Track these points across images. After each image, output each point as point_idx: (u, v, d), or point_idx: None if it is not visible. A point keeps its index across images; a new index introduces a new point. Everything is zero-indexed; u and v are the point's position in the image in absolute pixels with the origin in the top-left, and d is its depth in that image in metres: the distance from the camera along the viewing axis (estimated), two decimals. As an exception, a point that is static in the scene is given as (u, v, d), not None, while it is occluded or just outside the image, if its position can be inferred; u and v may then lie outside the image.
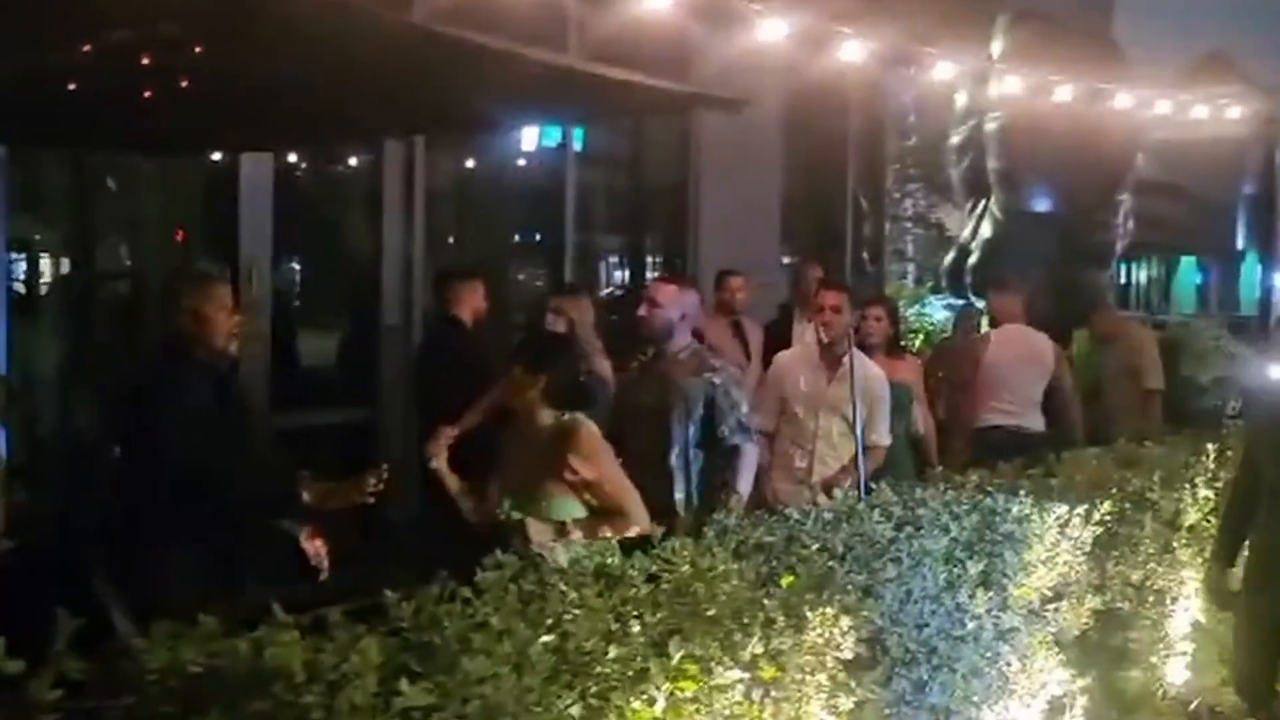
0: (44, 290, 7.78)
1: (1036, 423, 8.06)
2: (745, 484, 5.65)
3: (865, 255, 14.17)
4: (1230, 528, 5.21)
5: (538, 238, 10.31)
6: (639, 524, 4.47)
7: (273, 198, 7.06)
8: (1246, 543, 5.11)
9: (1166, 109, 9.23)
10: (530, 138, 9.80)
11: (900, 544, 4.08)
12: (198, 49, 4.13)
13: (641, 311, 5.58)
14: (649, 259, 11.50)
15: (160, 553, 4.34)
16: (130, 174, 7.51)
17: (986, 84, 9.29)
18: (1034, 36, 13.72)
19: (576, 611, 3.20)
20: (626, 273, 11.74)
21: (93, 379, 7.08)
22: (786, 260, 11.72)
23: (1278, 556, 4.92)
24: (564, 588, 3.27)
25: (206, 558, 4.43)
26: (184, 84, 4.55)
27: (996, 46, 14.34)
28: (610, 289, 11.64)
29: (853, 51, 5.35)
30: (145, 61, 4.16)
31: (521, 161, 10.28)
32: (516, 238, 10.63)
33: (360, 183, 8.24)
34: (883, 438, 6.22)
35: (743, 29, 4.99)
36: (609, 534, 4.16)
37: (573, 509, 4.51)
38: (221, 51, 4.23)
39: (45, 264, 7.88)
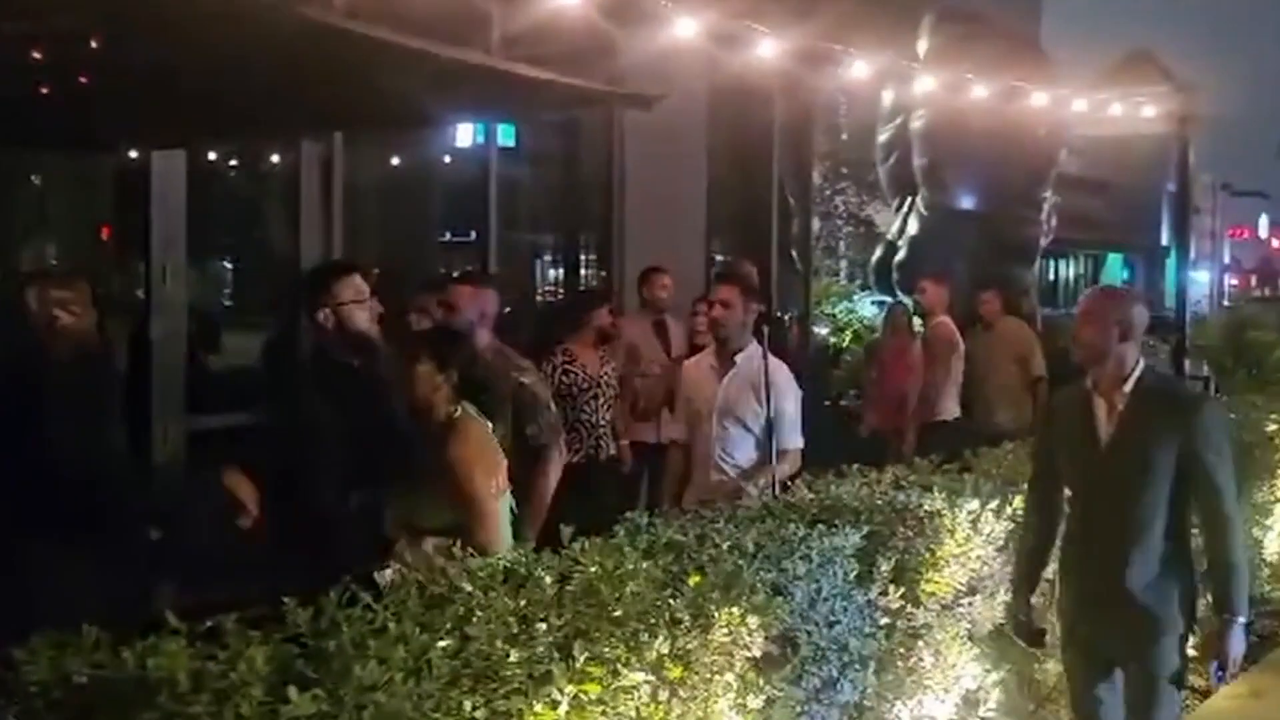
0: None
1: None
2: (548, 486, 5.49)
3: (793, 252, 14.21)
4: (1031, 550, 4.52)
5: (465, 235, 10.23)
6: (489, 547, 4.12)
7: (186, 196, 6.92)
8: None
9: (1083, 107, 9.35)
10: (454, 134, 9.73)
11: (811, 541, 4.08)
12: (94, 44, 4.04)
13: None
14: (581, 255, 11.46)
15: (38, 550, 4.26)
16: (42, 171, 7.35)
17: (906, 83, 9.34)
18: (959, 36, 13.83)
19: (480, 614, 3.17)
20: (560, 271, 11.71)
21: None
22: (718, 257, 11.75)
23: (1094, 576, 4.23)
24: (469, 589, 3.24)
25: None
26: (82, 80, 4.45)
27: (922, 45, 14.44)
28: (544, 287, 11.60)
29: (767, 49, 5.35)
30: (37, 56, 4.06)
31: (446, 158, 10.21)
32: (445, 235, 10.54)
33: (278, 180, 8.13)
34: (792, 441, 5.70)
35: (656, 26, 4.97)
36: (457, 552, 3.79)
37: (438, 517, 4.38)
38: (121, 47, 4.14)
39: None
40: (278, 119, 6.30)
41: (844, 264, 24.87)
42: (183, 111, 5.60)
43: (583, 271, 11.21)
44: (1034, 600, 4.54)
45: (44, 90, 4.56)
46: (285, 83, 5.07)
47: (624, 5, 4.58)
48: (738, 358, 5.70)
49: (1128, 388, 4.10)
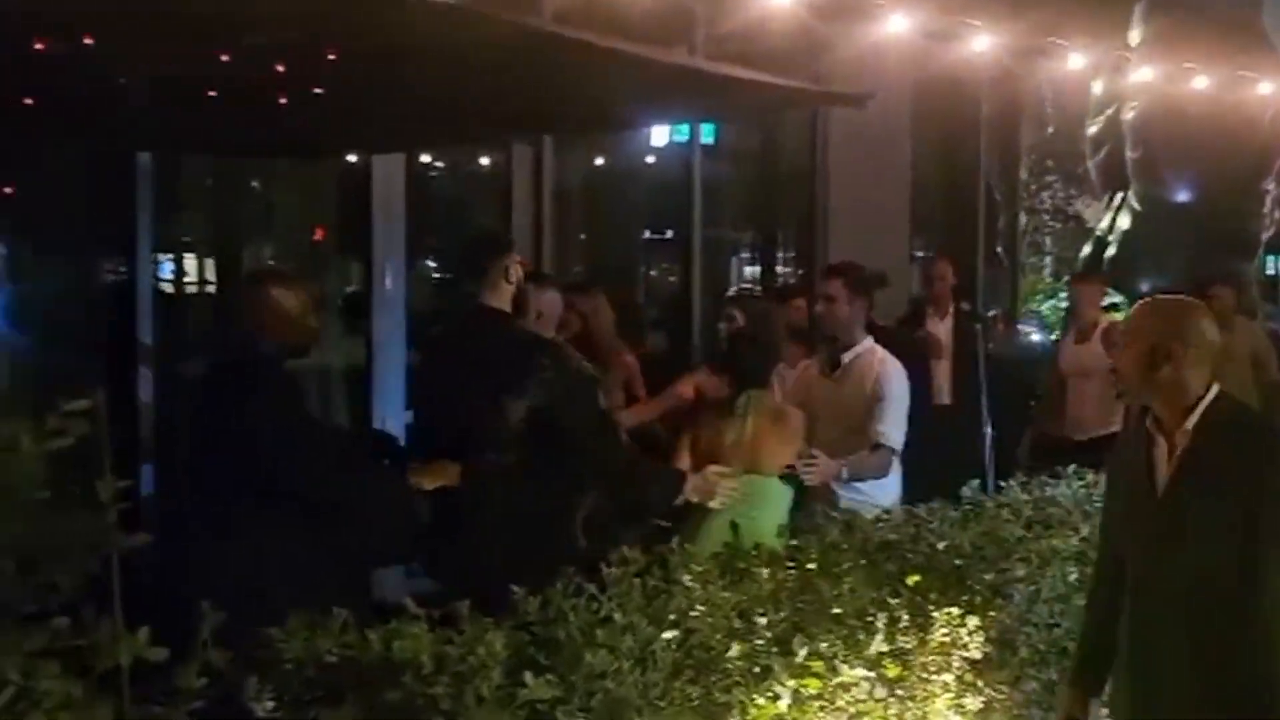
0: (188, 290, 8.03)
1: None
2: None
3: (999, 249, 13.95)
4: (1092, 627, 3.47)
5: (667, 234, 10.35)
6: None
7: (405, 198, 7.19)
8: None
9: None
10: (659, 133, 9.83)
11: (1029, 543, 4.02)
12: (330, 56, 4.24)
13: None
14: (779, 254, 11.47)
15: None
16: (268, 176, 7.72)
17: (1118, 74, 9.06)
18: (1173, 24, 13.35)
19: (701, 608, 3.23)
20: (758, 268, 11.74)
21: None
22: (920, 254, 11.61)
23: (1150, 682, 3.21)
24: (689, 583, 3.30)
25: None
26: (316, 90, 4.68)
27: (1134, 34, 13.99)
28: (739, 286, 11.64)
29: (980, 45, 5.27)
30: (280, 69, 4.29)
31: (650, 158, 10.33)
32: (646, 234, 10.68)
33: (490, 182, 8.36)
34: (888, 438, 5.15)
35: (868, 24, 4.94)
36: None
37: None
38: (351, 57, 4.33)
39: (189, 264, 8.15)
40: (492, 123, 6.47)
41: (1049, 260, 24.19)
42: (403, 117, 5.81)
43: (780, 269, 11.23)
44: (1093, 705, 3.47)
45: (282, 100, 4.80)
46: (499, 89, 5.21)
47: (837, 4, 4.57)
48: (845, 356, 5.33)
49: (1191, 423, 3.13)
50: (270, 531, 4.14)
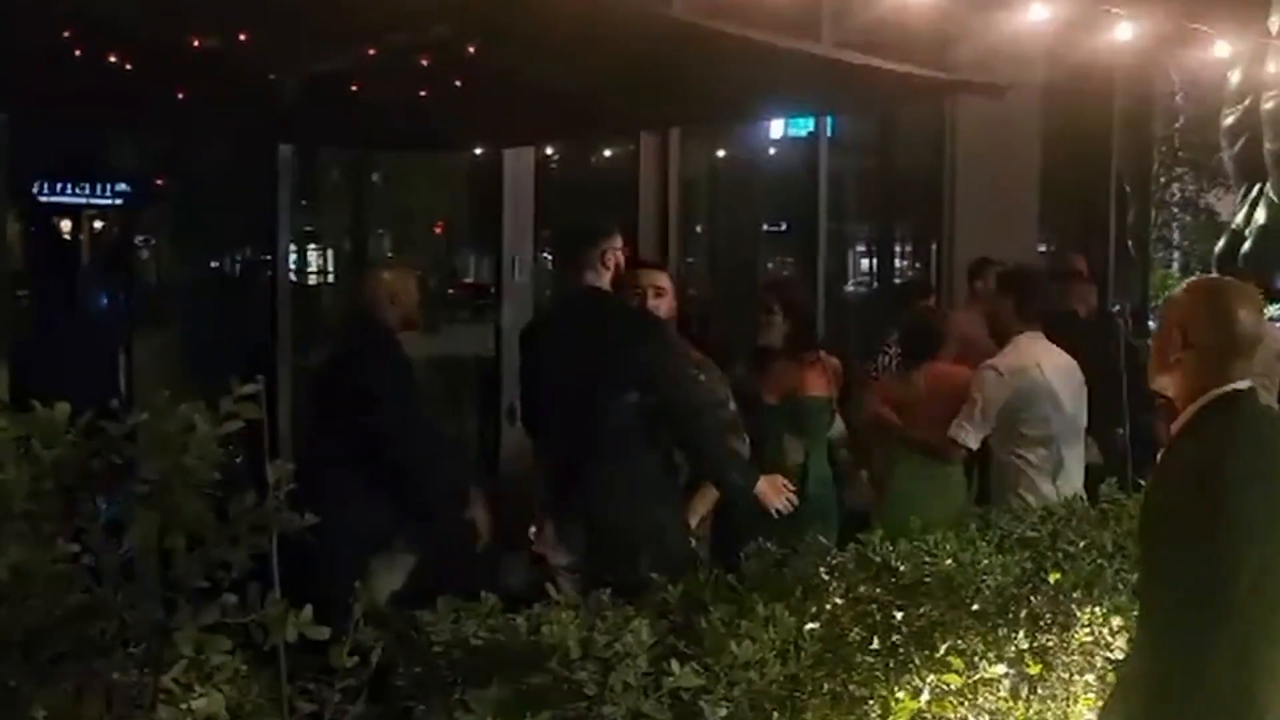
0: (321, 280, 8.22)
1: None
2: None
3: (1130, 242, 13.64)
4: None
5: (788, 226, 10.30)
6: None
7: (534, 191, 7.26)
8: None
9: None
10: (783, 126, 9.79)
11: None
12: (470, 49, 4.30)
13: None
14: (908, 246, 11.35)
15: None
16: (400, 170, 7.84)
17: (1257, 63, 8.80)
18: (1318, 9, 12.94)
19: (840, 601, 3.23)
20: (875, 260, 11.63)
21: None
22: (1042, 249, 11.41)
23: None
24: (826, 576, 3.30)
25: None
26: (458, 83, 4.74)
27: (1275, 21, 13.57)
28: (855, 279, 11.55)
29: (1124, 33, 5.16)
30: (423, 63, 4.36)
31: (773, 150, 10.29)
32: (770, 226, 10.62)
33: (617, 174, 8.39)
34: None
35: (1005, 13, 4.87)
36: None
37: None
38: (491, 51, 4.38)
39: (325, 256, 8.35)
40: (623, 115, 6.49)
41: (1177, 254, 23.66)
42: (537, 110, 5.85)
43: (905, 263, 11.11)
44: None
45: (423, 94, 4.88)
46: (632, 81, 5.23)
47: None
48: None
49: (1183, 419, 2.78)
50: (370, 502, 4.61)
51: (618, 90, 5.46)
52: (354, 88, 4.75)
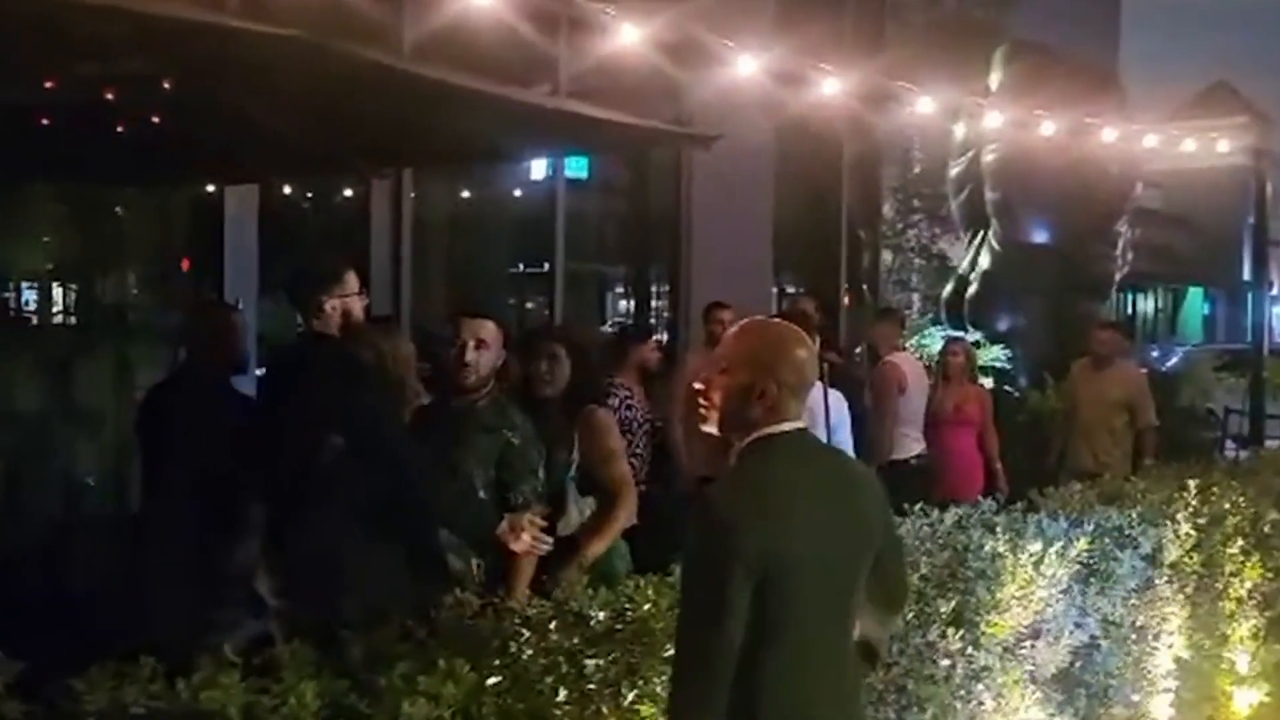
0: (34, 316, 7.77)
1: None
2: None
3: (864, 286, 14.19)
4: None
5: (526, 266, 10.34)
6: None
7: (259, 230, 7.06)
8: None
9: (1155, 142, 9.23)
10: (523, 167, 9.82)
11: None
12: (165, 85, 4.14)
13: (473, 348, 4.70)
14: (654, 289, 11.51)
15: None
16: (114, 207, 7.50)
17: (973, 119, 9.29)
18: (1031, 69, 13.77)
19: (530, 652, 3.19)
20: (632, 303, 11.77)
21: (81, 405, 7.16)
22: (789, 290, 11.76)
23: None
24: (518, 626, 3.26)
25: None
26: (155, 120, 4.57)
27: (994, 78, 14.39)
28: (614, 320, 11.67)
29: (831, 88, 5.35)
30: (110, 97, 4.18)
31: (518, 191, 10.32)
32: (513, 266, 10.65)
33: (348, 214, 8.25)
34: None
35: (718, 66, 4.99)
36: None
37: None
38: (193, 88, 4.24)
39: (33, 293, 7.90)
40: (346, 157, 6.39)
41: (916, 298, 24.72)
42: (253, 149, 5.71)
43: (661, 304, 11.27)
44: None
45: (119, 129, 4.68)
46: (351, 123, 5.16)
47: (685, 46, 4.60)
48: None
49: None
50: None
51: (336, 131, 5.38)
52: (43, 121, 4.51)
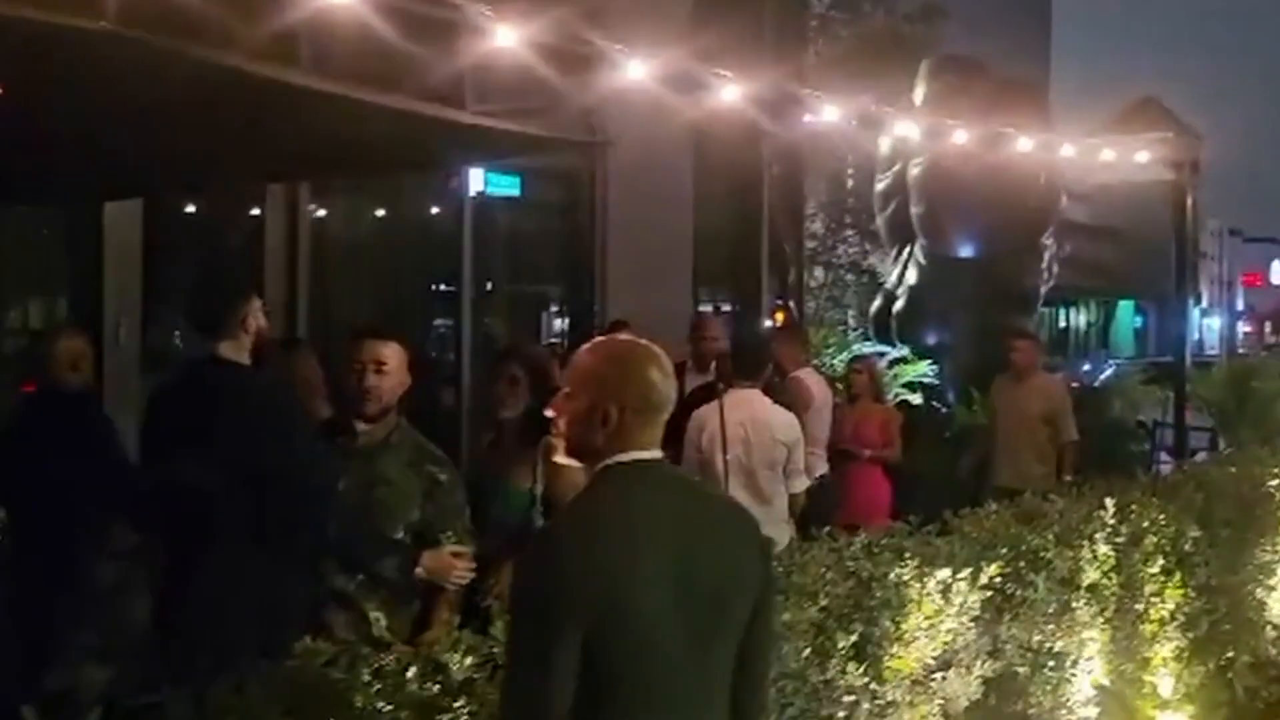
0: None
1: None
2: None
3: (790, 302, 14.03)
4: None
5: (436, 285, 10.04)
6: None
7: (142, 248, 6.71)
8: None
9: (1073, 153, 9.12)
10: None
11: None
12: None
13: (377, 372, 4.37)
14: (568, 305, 11.27)
15: None
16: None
17: (900, 130, 9.11)
18: (958, 82, 13.67)
19: (382, 707, 2.92)
20: (567, 321, 11.51)
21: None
22: (706, 306, 11.55)
23: None
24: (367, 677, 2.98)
25: None
26: None
27: (919, 92, 14.27)
28: (549, 339, 11.39)
29: (730, 95, 5.11)
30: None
31: (422, 206, 10.01)
32: (416, 285, 10.32)
33: (241, 231, 7.91)
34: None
35: (608, 71, 4.73)
36: None
37: None
38: (25, 97, 3.92)
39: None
40: (238, 169, 6.09)
41: (851, 314, 24.54)
42: (136, 163, 5.40)
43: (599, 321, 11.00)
44: None
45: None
46: (210, 133, 4.87)
47: (571, 49, 4.35)
48: None
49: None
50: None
51: (227, 144, 5.08)
52: None
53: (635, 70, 4.57)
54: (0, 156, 4.73)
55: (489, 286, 10.24)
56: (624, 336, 2.97)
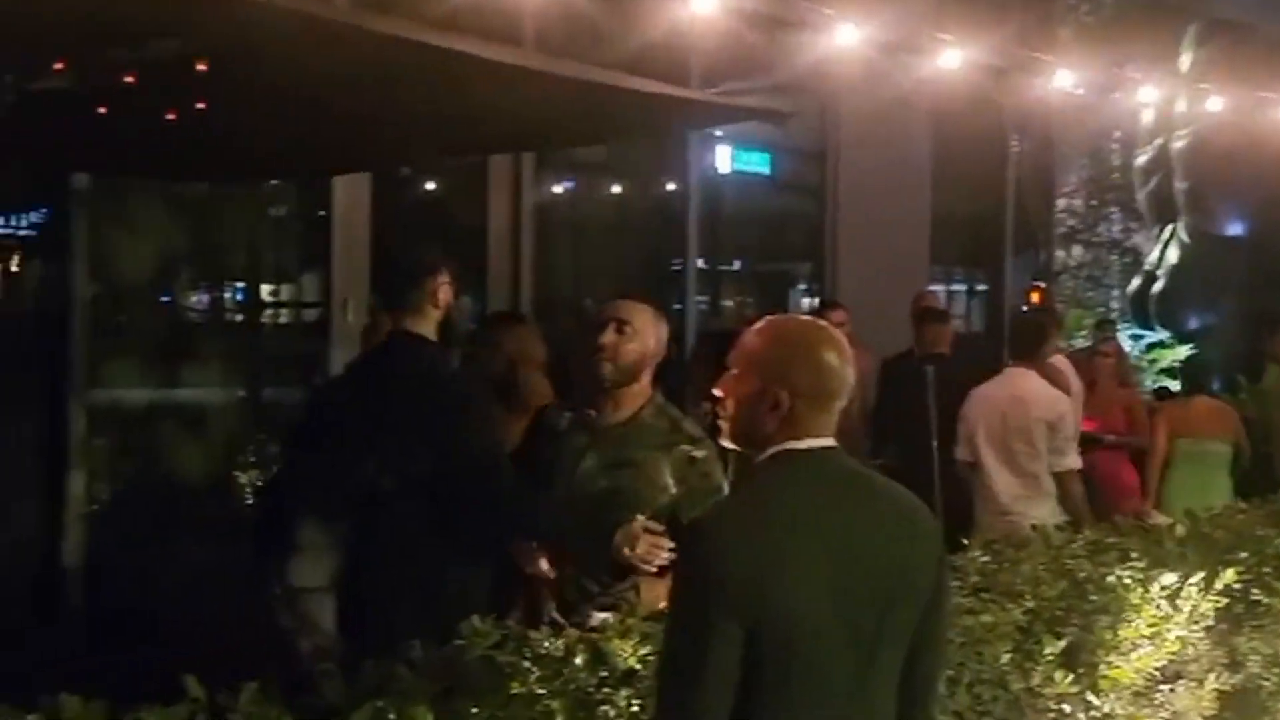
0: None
1: None
2: None
3: (1042, 284, 13.46)
4: None
5: (660, 262, 9.93)
6: None
7: (370, 223, 6.82)
8: None
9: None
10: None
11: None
12: (199, 67, 3.88)
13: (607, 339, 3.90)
14: (797, 286, 11.06)
15: None
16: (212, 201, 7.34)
17: (1167, 101, 8.52)
18: (1225, 48, 12.81)
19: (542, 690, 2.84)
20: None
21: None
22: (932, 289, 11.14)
23: None
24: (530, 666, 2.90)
25: None
26: (199, 106, 4.31)
27: (1185, 59, 13.44)
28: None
29: (951, 60, 4.81)
30: (130, 80, 3.93)
31: (648, 181, 9.90)
32: (640, 262, 10.24)
33: (464, 204, 7.92)
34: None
35: (820, 35, 4.50)
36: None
37: None
38: (235, 71, 3.99)
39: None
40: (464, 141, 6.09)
41: (1115, 294, 23.39)
42: (362, 135, 5.45)
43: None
44: None
45: (170, 117, 4.45)
46: (468, 109, 4.87)
47: (778, 14, 4.14)
48: None
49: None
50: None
51: (452, 117, 5.07)
52: (100, 110, 4.32)
53: (856, 38, 4.32)
54: (227, 133, 4.82)
55: (736, 265, 10.16)
56: (803, 317, 2.76)
